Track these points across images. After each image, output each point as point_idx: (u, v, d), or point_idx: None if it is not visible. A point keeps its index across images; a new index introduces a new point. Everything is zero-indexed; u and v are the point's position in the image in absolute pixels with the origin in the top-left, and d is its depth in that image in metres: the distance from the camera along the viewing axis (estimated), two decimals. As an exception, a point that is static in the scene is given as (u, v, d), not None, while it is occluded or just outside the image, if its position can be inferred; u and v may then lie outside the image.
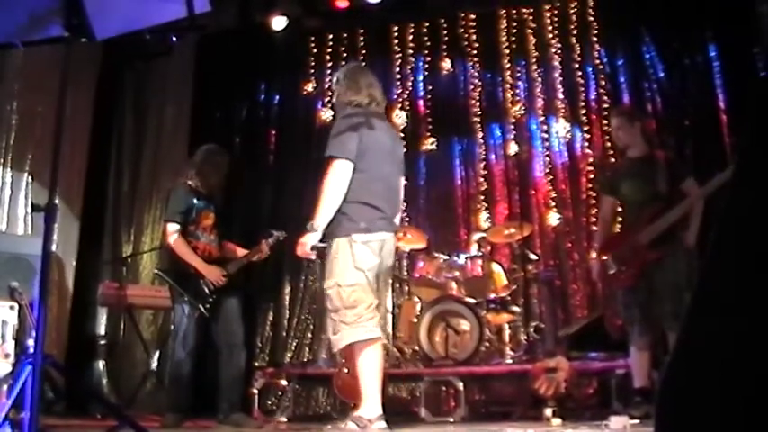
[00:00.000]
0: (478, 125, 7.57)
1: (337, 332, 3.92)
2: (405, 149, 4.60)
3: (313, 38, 8.17)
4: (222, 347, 5.17)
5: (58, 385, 5.95)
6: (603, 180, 5.90)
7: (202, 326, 5.10)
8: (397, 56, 7.93)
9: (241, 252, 5.48)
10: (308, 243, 4.01)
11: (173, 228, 5.14)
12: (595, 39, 7.27)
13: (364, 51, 8.03)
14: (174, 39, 7.30)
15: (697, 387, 1.32)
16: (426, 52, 7.89)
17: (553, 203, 7.15)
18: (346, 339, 3.90)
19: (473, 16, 7.76)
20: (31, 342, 4.85)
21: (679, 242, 4.63)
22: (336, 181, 3.99)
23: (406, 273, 7.11)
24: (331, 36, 8.17)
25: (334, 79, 4.43)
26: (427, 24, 7.93)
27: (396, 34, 8.00)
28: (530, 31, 7.56)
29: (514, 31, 7.61)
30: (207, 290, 5.08)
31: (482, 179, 7.43)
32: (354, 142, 4.05)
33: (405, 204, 5.56)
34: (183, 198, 5.24)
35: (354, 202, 4.00)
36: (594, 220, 6.74)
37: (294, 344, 7.47)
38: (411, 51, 7.95)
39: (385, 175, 4.17)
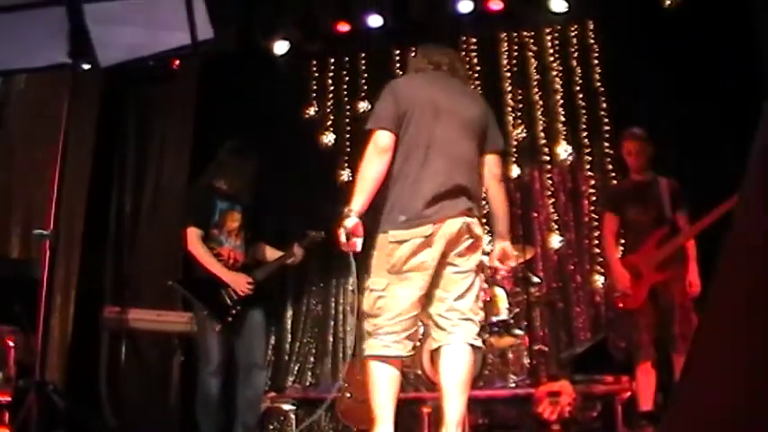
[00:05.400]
0: (479, 148, 7.58)
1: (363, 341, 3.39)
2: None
3: (314, 62, 8.22)
4: (241, 366, 4.73)
5: (58, 410, 5.92)
6: (606, 198, 5.91)
7: (227, 340, 4.67)
8: (399, 79, 7.96)
9: (271, 255, 5.04)
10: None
11: (193, 232, 4.70)
12: (596, 61, 7.30)
13: (366, 75, 8.07)
14: (177, 62, 7.34)
15: (705, 412, 1.31)
16: (428, 76, 7.91)
17: (555, 226, 7.16)
18: (367, 350, 3.36)
19: (474, 40, 7.80)
20: (33, 367, 4.82)
21: (685, 265, 4.64)
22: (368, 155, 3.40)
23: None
24: (332, 60, 8.21)
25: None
26: (429, 48, 7.97)
27: (397, 58, 8.03)
28: (530, 54, 7.60)
29: (515, 54, 7.66)
30: (230, 300, 4.65)
31: (483, 202, 7.42)
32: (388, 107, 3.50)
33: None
34: (203, 199, 4.84)
35: (397, 184, 3.41)
36: (597, 242, 6.73)
37: (296, 368, 7.46)
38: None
39: (435, 141, 3.44)
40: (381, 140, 3.38)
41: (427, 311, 3.45)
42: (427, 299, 3.42)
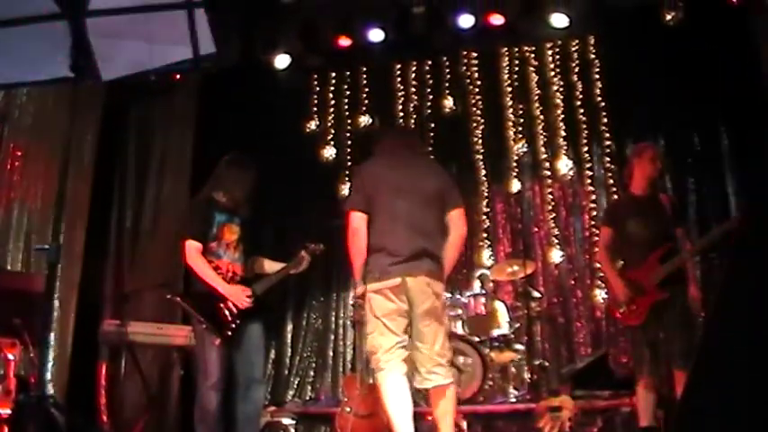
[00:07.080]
0: (481, 163, 7.61)
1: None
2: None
3: (315, 75, 8.25)
4: (240, 380, 4.67)
5: (58, 423, 5.89)
6: (605, 212, 5.91)
7: (227, 354, 4.59)
8: (400, 94, 7.99)
9: (270, 268, 4.97)
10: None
11: (192, 245, 4.63)
12: (597, 76, 7.32)
13: (367, 89, 8.10)
14: (178, 76, 7.36)
15: (708, 426, 1.31)
16: (429, 90, 7.95)
17: (556, 241, 7.16)
18: (378, 382, 4.00)
19: (475, 54, 7.84)
20: (32, 380, 4.81)
21: (686, 281, 4.63)
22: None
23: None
24: (333, 74, 8.24)
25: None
26: (429, 62, 8.01)
27: (398, 72, 8.06)
28: (531, 69, 7.64)
29: (516, 69, 7.69)
30: (229, 314, 4.59)
31: (484, 217, 7.45)
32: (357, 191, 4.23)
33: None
34: (202, 213, 4.76)
35: (371, 251, 4.05)
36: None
37: (296, 382, 7.44)
38: (413, 89, 8.01)
39: (398, 215, 4.06)
40: (354, 222, 4.08)
41: (410, 356, 4.02)
42: (410, 344, 4.01)
